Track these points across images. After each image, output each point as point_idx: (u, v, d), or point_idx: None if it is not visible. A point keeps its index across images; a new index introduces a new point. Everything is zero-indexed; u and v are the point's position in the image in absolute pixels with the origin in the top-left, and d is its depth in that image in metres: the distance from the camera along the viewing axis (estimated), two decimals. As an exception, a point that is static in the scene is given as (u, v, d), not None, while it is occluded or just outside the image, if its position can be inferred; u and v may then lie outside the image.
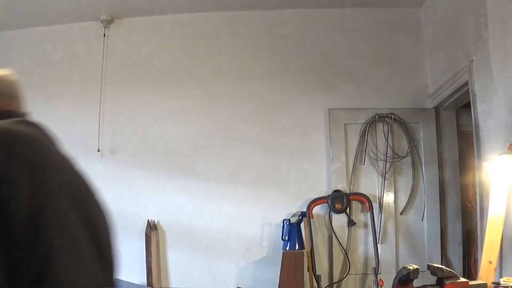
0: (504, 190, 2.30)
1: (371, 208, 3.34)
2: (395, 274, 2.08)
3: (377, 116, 3.53)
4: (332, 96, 3.68)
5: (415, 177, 3.49)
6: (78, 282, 0.93)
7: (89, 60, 3.86)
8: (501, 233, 2.29)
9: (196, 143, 3.72)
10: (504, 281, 2.07)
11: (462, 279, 2.00)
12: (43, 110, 3.95)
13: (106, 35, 3.85)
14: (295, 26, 3.82)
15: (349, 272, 3.39)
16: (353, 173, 3.53)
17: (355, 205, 3.52)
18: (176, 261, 3.63)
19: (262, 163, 3.66)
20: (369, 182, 3.53)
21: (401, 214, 3.49)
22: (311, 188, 3.59)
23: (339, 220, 3.50)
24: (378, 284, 3.09)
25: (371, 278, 3.26)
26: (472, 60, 2.76)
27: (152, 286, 3.49)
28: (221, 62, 3.82)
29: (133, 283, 3.52)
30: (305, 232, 3.39)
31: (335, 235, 3.46)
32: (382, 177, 3.50)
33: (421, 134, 3.53)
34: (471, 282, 2.08)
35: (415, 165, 3.50)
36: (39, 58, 3.93)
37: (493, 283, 2.11)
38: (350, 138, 3.57)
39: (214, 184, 3.66)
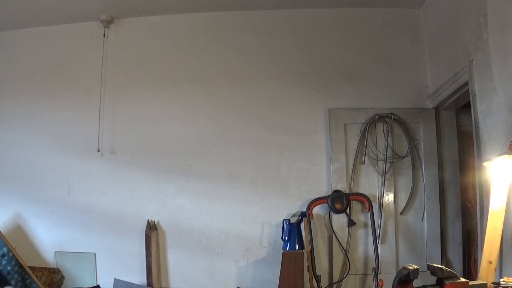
0: (504, 190, 2.30)
1: (371, 208, 3.34)
2: (395, 274, 2.08)
3: (377, 116, 3.53)
4: (332, 96, 3.68)
5: (415, 177, 3.49)
6: None
7: (89, 60, 3.86)
8: (501, 233, 2.29)
9: (196, 143, 3.72)
10: (504, 281, 2.07)
11: (462, 279, 2.00)
12: (43, 110, 4.00)
13: (106, 35, 3.86)
14: (295, 26, 3.82)
15: (349, 272, 3.39)
16: (353, 173, 3.53)
17: (355, 205, 3.51)
18: (176, 261, 3.63)
19: (262, 163, 3.66)
20: (369, 182, 3.53)
21: (401, 214, 3.49)
22: (311, 188, 3.59)
23: (339, 220, 3.50)
24: (378, 284, 3.09)
25: (371, 278, 3.26)
26: (472, 60, 2.76)
27: (152, 286, 3.49)
28: (221, 62, 3.82)
29: (133, 283, 3.52)
30: (305, 232, 3.39)
31: (335, 235, 3.46)
32: (382, 177, 3.50)
33: (421, 134, 3.53)
34: (471, 282, 2.08)
35: (415, 165, 3.50)
36: (39, 58, 3.93)
37: (493, 283, 2.11)
38: (350, 138, 3.57)
39: (214, 184, 3.66)
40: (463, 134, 3.59)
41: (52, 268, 3.61)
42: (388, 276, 3.12)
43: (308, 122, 3.68)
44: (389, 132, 3.52)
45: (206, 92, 3.77)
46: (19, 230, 3.70)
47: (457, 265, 3.41)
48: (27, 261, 3.40)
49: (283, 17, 3.82)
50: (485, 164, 2.43)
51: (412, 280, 1.97)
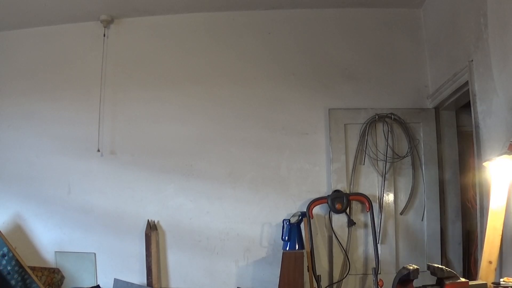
0: (504, 190, 2.30)
1: (371, 208, 3.34)
2: (395, 274, 2.08)
3: (377, 116, 3.53)
4: (332, 96, 3.68)
5: (415, 177, 3.49)
6: None
7: (89, 60, 3.86)
8: (501, 233, 2.29)
9: (196, 143, 3.72)
10: (504, 281, 2.07)
11: (462, 279, 2.00)
12: (43, 110, 4.00)
13: (106, 35, 3.86)
14: (295, 26, 3.82)
15: (349, 272, 3.39)
16: (353, 173, 3.53)
17: (355, 205, 3.51)
18: (176, 261, 3.63)
19: (262, 163, 3.66)
20: (369, 182, 3.53)
21: (401, 214, 3.49)
22: (311, 188, 3.59)
23: (339, 220, 3.50)
24: (378, 284, 3.09)
25: (371, 278, 3.26)
26: (472, 60, 2.76)
27: (152, 286, 3.49)
28: (221, 62, 3.82)
29: (133, 283, 3.52)
30: (305, 232, 3.39)
31: (335, 235, 3.46)
32: (382, 177, 3.50)
33: (421, 134, 3.53)
34: (471, 282, 2.08)
35: (415, 165, 3.50)
36: (39, 58, 3.93)
37: (493, 283, 2.11)
38: (350, 138, 3.57)
39: (214, 184, 3.66)
40: (463, 134, 3.59)
41: (52, 268, 3.61)
42: (388, 276, 3.13)
43: (308, 122, 3.68)
44: (389, 132, 3.52)
45: (206, 92, 3.77)
46: (19, 230, 3.70)
47: (457, 265, 3.41)
48: (27, 261, 3.40)
49: (283, 17, 3.82)
50: (485, 164, 2.43)
51: (412, 280, 1.97)
